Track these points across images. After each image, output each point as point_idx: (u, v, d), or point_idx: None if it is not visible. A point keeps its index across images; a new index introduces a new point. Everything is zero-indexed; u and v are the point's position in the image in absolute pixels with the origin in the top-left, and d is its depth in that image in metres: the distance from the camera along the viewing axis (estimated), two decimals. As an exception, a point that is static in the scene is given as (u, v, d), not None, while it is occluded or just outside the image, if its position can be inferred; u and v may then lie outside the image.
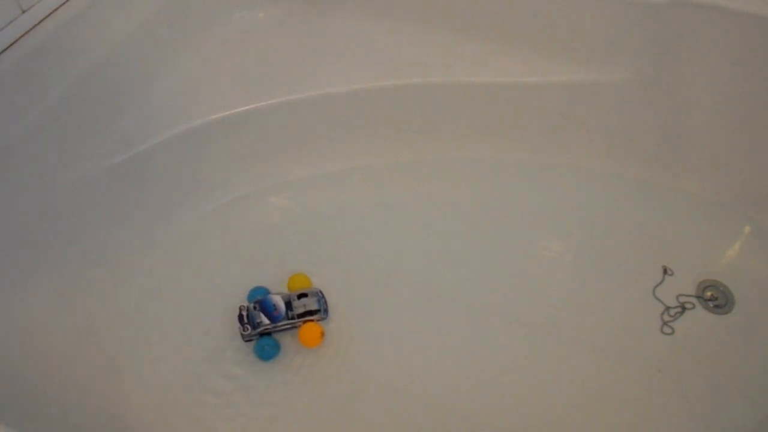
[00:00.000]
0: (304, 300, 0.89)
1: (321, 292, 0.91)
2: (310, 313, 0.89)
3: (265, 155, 1.03)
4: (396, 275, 0.96)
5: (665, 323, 0.91)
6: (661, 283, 0.96)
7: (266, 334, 0.88)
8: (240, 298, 0.92)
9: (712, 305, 0.93)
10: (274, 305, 0.88)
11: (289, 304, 0.89)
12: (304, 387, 0.85)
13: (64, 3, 0.85)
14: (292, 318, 0.88)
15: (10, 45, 0.78)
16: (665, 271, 0.97)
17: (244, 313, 0.88)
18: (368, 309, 0.93)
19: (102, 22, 0.90)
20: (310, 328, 0.88)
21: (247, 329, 0.86)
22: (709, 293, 0.94)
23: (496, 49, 1.02)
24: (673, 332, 0.90)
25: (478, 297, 0.94)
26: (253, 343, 0.88)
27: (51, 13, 0.84)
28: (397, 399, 0.85)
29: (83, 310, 0.81)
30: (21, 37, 0.80)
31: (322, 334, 0.88)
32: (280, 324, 0.87)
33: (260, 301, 0.88)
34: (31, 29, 0.81)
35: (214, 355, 0.87)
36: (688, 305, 0.93)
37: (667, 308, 0.93)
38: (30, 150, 0.78)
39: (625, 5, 0.92)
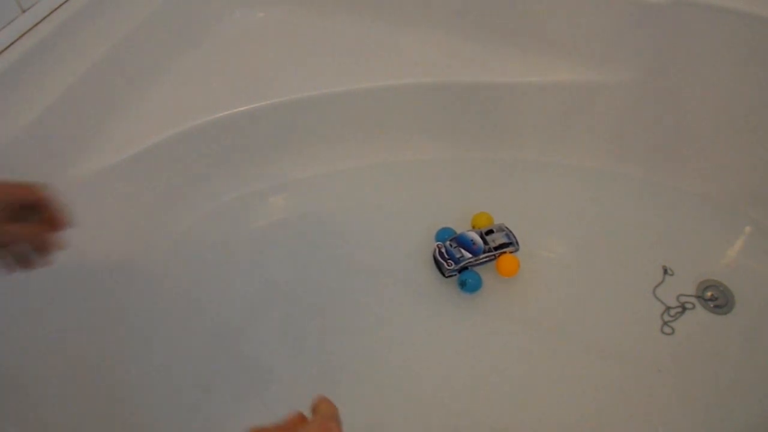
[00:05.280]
0: (492, 235, 0.96)
1: (506, 226, 0.97)
2: (504, 245, 0.95)
3: (263, 155, 1.03)
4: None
5: (665, 323, 0.91)
6: (661, 283, 0.96)
7: (465, 268, 0.93)
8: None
9: (712, 305, 0.93)
10: (472, 240, 0.94)
11: (483, 239, 0.95)
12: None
13: (64, 3, 0.85)
14: (490, 251, 0.94)
15: (10, 45, 0.78)
16: (665, 271, 0.97)
17: (443, 250, 0.93)
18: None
19: (101, 22, 0.89)
20: (508, 259, 0.94)
21: (451, 264, 0.92)
22: (709, 293, 0.94)
23: (496, 49, 1.02)
24: (673, 332, 0.90)
25: (476, 296, 0.94)
26: (453, 279, 0.94)
27: (51, 13, 0.84)
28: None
29: (86, 309, 0.81)
30: (21, 37, 0.80)
31: (519, 264, 0.94)
32: (481, 257, 0.93)
33: (456, 238, 0.95)
34: (31, 29, 0.81)
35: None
36: (688, 305, 0.93)
37: (668, 308, 0.93)
38: (30, 150, 0.78)
39: (625, 5, 0.92)
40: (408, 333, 0.92)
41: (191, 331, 0.89)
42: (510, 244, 0.95)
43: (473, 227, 0.99)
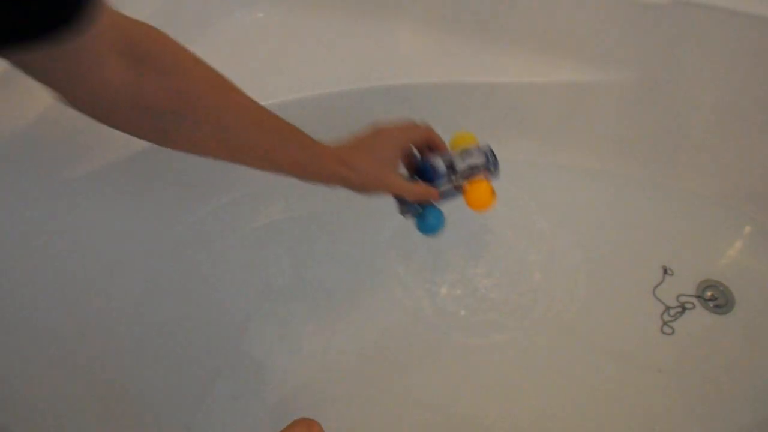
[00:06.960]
0: (465, 158, 0.71)
1: (490, 147, 0.72)
2: (474, 169, 0.70)
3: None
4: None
5: (665, 323, 0.91)
6: (661, 283, 0.96)
7: (429, 204, 0.71)
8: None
9: (712, 305, 0.93)
10: (432, 166, 0.69)
11: (451, 167, 0.69)
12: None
13: (63, 3, 0.85)
14: (453, 178, 0.69)
15: (10, 45, 0.78)
16: (665, 271, 0.97)
17: None
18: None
19: (102, 22, 0.89)
20: (477, 188, 0.70)
21: (404, 201, 0.70)
22: (709, 293, 0.94)
23: (496, 49, 1.02)
24: (673, 332, 0.90)
25: (474, 294, 0.94)
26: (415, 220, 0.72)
27: (51, 13, 0.83)
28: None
29: (84, 310, 0.81)
30: (21, 37, 0.79)
31: (493, 192, 0.70)
32: (439, 189, 0.69)
33: (417, 168, 0.71)
34: (30, 29, 0.81)
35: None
36: (688, 305, 0.93)
37: (668, 308, 0.93)
38: (30, 150, 0.78)
39: (625, 5, 0.92)
40: (409, 332, 0.92)
41: (191, 330, 0.89)
42: (483, 166, 0.70)
43: (451, 149, 0.74)
